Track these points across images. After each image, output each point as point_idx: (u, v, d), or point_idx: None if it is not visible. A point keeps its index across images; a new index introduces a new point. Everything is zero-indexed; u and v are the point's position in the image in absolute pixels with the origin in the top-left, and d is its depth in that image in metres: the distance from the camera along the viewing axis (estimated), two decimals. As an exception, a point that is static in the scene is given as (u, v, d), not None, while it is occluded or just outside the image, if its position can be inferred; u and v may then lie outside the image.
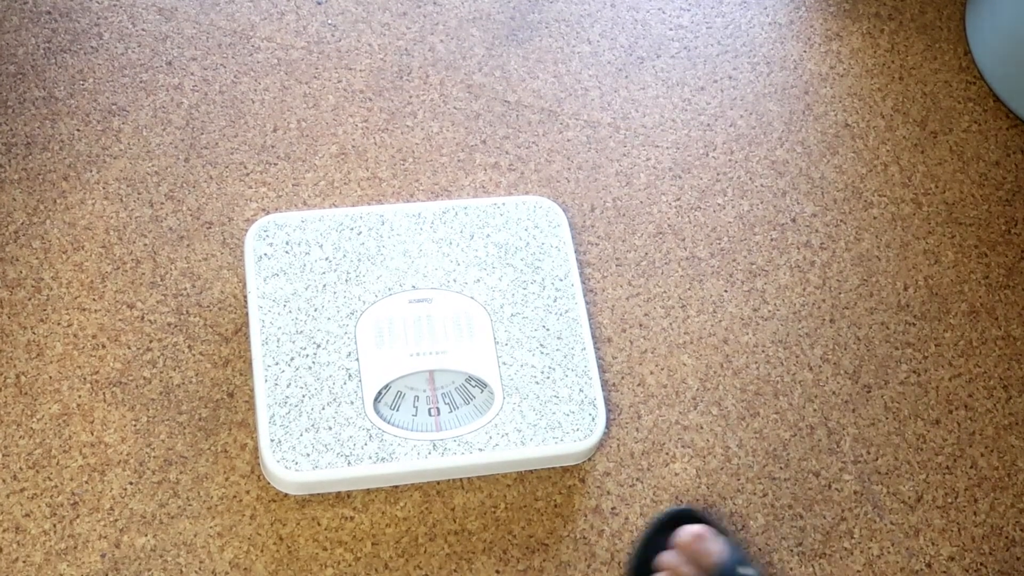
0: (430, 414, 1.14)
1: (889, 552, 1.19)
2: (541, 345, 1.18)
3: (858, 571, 1.18)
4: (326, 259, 1.20)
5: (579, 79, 1.43)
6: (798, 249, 1.35)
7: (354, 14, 1.44)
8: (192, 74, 1.38)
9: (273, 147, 1.34)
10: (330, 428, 1.12)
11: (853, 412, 1.26)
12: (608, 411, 1.22)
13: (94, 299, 1.23)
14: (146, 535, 1.12)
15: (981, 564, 1.19)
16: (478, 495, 1.17)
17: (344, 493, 1.15)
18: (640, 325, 1.28)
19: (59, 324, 1.21)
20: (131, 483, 1.14)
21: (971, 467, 1.24)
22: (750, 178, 1.39)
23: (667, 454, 1.21)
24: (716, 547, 1.07)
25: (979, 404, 1.28)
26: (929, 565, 1.19)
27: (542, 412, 1.15)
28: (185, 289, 1.24)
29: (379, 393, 1.15)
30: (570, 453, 1.16)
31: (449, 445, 1.13)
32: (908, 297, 1.34)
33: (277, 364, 1.15)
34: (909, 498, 1.22)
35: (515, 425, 1.14)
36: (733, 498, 1.20)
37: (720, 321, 1.29)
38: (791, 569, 1.17)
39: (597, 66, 1.45)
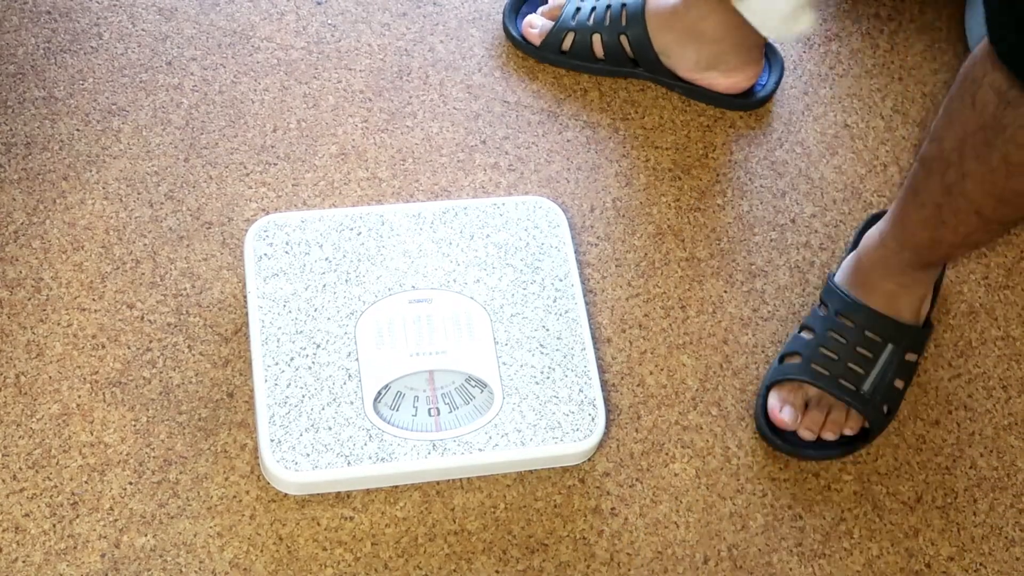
0: (430, 414, 1.14)
1: (888, 552, 1.19)
2: (541, 345, 1.18)
3: (858, 571, 1.18)
4: (326, 259, 1.20)
5: (578, 79, 1.43)
6: (798, 249, 1.35)
7: (354, 14, 1.45)
8: (192, 74, 1.38)
9: (273, 147, 1.34)
10: (330, 428, 1.12)
11: (853, 412, 1.26)
12: (608, 411, 1.22)
13: (94, 299, 1.23)
14: (146, 535, 1.12)
15: (981, 564, 1.19)
16: (478, 495, 1.17)
17: (344, 493, 1.15)
18: (640, 325, 1.28)
19: (59, 324, 1.21)
20: (131, 483, 1.14)
21: (970, 467, 1.24)
22: (749, 179, 1.39)
23: (667, 454, 1.21)
24: None
25: (979, 404, 1.28)
26: (928, 565, 1.19)
27: (542, 412, 1.15)
28: (185, 289, 1.24)
29: (379, 393, 1.15)
30: (570, 453, 1.16)
31: (449, 445, 1.13)
32: (908, 297, 1.34)
33: (277, 364, 1.15)
34: (909, 498, 1.22)
35: (515, 425, 1.14)
36: (733, 498, 1.20)
37: (720, 321, 1.29)
38: (791, 569, 1.17)
39: (597, 66, 1.44)
